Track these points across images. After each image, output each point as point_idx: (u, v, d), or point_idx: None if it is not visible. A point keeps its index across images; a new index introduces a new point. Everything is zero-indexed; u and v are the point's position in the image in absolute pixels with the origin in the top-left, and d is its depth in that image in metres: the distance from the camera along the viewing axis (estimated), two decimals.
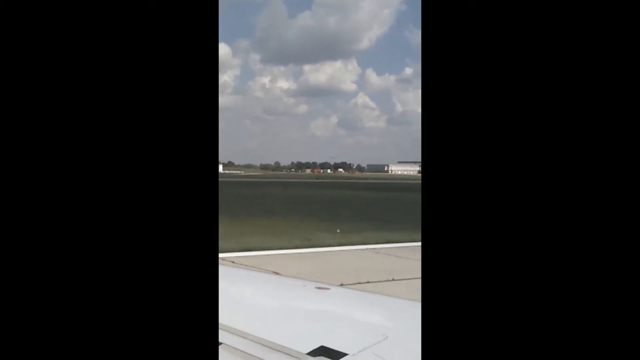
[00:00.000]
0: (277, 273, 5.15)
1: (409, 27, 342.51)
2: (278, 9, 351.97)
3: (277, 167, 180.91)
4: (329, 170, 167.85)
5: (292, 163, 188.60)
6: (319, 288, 1.84)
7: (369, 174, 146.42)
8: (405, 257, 7.37)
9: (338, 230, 10.47)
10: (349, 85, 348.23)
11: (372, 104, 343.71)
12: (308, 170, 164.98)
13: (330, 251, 8.15)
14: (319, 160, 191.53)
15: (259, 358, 1.12)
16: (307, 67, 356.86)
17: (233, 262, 6.29)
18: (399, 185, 50.39)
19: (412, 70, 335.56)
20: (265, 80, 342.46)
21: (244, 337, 1.19)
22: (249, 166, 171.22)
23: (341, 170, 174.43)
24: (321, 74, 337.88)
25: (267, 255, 7.44)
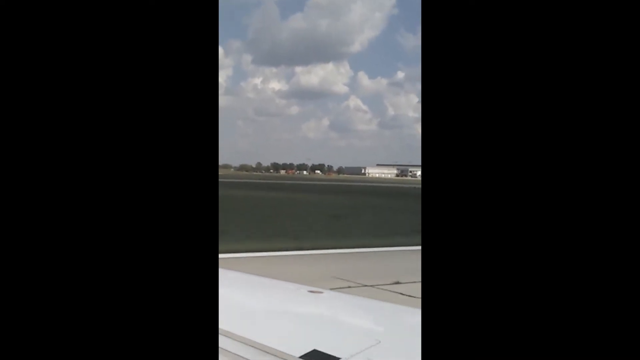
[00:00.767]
0: None
1: (401, 31, 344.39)
2: (270, 10, 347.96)
3: (258, 167, 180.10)
4: (304, 172, 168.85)
5: (271, 164, 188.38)
6: (312, 292, 1.86)
7: (345, 176, 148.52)
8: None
9: None
10: (341, 88, 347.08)
11: (364, 106, 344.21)
12: (283, 172, 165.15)
13: None
14: (302, 162, 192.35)
15: None
16: (299, 69, 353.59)
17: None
18: (357, 187, 49.57)
19: (404, 74, 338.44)
20: (257, 81, 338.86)
21: (235, 340, 1.19)
22: (226, 166, 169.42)
23: (318, 172, 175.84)
24: (313, 75, 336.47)
25: None
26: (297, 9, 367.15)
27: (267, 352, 1.16)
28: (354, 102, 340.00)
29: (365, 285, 5.48)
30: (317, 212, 18.45)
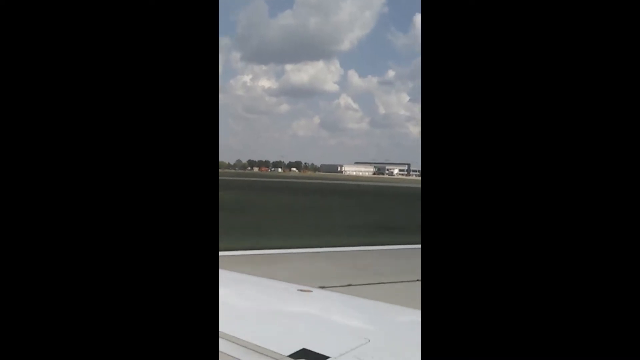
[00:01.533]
0: None
1: (391, 29, 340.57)
2: (259, 7, 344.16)
3: (237, 164, 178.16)
4: (279, 170, 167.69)
5: (247, 161, 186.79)
6: (301, 290, 1.85)
7: (321, 173, 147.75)
8: None
9: None
10: (332, 86, 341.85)
11: (354, 105, 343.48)
12: (256, 169, 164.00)
13: None
14: (279, 159, 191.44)
15: None
16: (288, 67, 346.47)
17: None
18: (315, 185, 48.19)
19: (395, 72, 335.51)
20: (247, 78, 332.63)
21: (224, 339, 1.18)
22: None
23: (295, 169, 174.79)
24: (303, 74, 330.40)
25: None
26: (286, 6, 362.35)
27: (256, 351, 1.15)
28: (345, 100, 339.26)
29: None
30: (239, 211, 17.61)
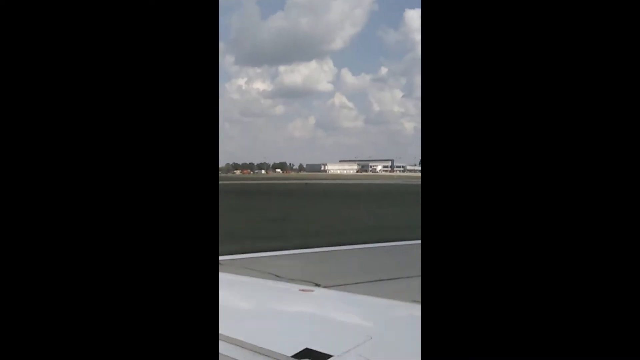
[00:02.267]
0: None
1: (382, 26, 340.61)
2: (250, 9, 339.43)
3: (227, 167, 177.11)
4: (262, 171, 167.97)
5: (232, 164, 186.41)
6: (303, 290, 1.88)
7: (305, 173, 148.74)
8: None
9: None
10: (326, 86, 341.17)
11: (349, 103, 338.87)
12: (238, 172, 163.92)
13: None
14: (269, 161, 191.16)
15: None
16: (282, 68, 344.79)
17: None
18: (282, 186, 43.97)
19: (387, 69, 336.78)
20: (242, 82, 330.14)
21: (226, 341, 1.18)
22: None
23: (279, 170, 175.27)
24: (297, 74, 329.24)
25: None
26: (278, 8, 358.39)
27: (259, 353, 1.15)
28: (339, 99, 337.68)
29: None
30: None
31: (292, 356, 1.12)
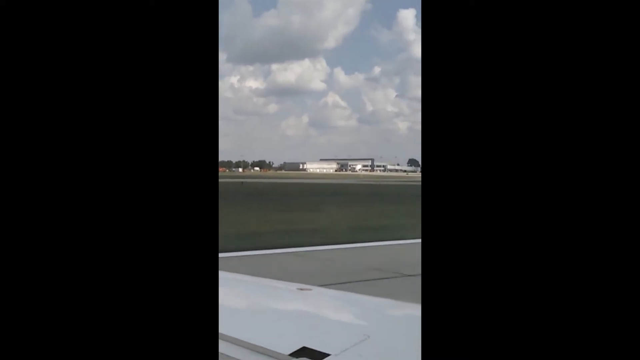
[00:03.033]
0: None
1: (375, 25, 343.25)
2: (242, 7, 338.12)
3: None
4: (240, 169, 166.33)
5: None
6: (301, 289, 1.84)
7: (284, 172, 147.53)
8: None
9: None
10: (319, 85, 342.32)
11: (342, 102, 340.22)
12: None
13: None
14: (248, 159, 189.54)
15: None
16: (275, 66, 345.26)
17: None
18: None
19: (381, 68, 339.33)
20: (234, 80, 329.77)
21: (223, 339, 1.17)
22: None
23: (257, 168, 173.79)
24: (290, 73, 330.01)
25: None
26: (270, 6, 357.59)
27: (256, 351, 1.15)
28: (333, 98, 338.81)
29: None
30: None
31: (290, 355, 1.12)
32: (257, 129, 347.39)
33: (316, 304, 1.79)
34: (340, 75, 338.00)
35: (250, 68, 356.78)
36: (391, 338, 1.31)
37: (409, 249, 7.29)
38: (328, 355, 1.11)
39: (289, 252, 7.66)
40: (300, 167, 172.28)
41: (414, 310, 1.55)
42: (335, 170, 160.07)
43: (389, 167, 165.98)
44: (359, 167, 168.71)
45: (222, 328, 1.12)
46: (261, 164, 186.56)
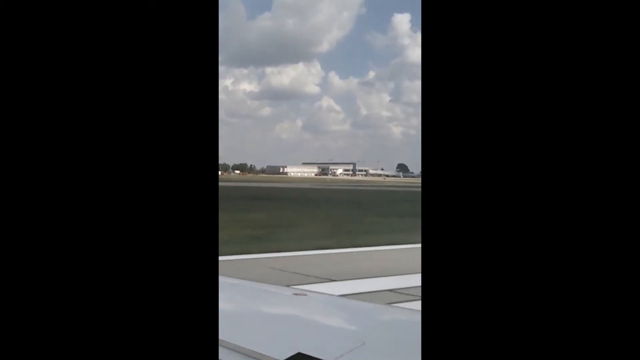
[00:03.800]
0: None
1: (370, 30, 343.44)
2: (237, 9, 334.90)
3: None
4: (220, 172, 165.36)
5: None
6: (296, 294, 1.84)
7: (265, 175, 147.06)
8: None
9: None
10: (313, 88, 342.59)
11: (336, 107, 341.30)
12: None
13: None
14: (230, 162, 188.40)
15: None
16: (269, 70, 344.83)
17: None
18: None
19: (375, 73, 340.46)
20: (228, 82, 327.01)
21: (219, 345, 1.13)
22: None
23: (237, 172, 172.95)
24: (284, 76, 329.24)
25: None
26: (265, 9, 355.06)
27: (251, 357, 1.14)
28: (327, 102, 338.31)
29: None
30: None
31: None
32: (250, 132, 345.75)
33: (311, 309, 1.78)
34: (335, 79, 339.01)
35: (245, 71, 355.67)
36: (387, 344, 1.30)
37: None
38: None
39: None
40: (281, 170, 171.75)
41: (410, 316, 1.57)
42: (316, 175, 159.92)
43: (371, 171, 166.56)
44: (339, 171, 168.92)
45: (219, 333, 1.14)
46: (242, 167, 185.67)
